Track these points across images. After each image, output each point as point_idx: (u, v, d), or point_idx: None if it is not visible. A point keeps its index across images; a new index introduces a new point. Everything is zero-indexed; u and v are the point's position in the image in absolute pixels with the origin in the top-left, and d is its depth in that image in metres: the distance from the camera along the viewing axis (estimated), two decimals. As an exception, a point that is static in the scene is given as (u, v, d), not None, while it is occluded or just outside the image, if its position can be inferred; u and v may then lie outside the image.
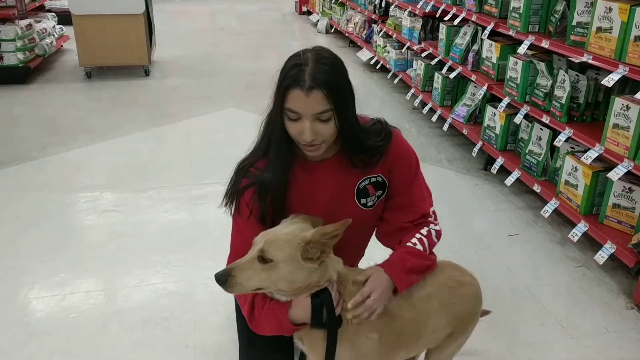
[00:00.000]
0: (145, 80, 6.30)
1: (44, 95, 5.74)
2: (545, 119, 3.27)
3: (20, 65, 5.88)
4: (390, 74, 6.08)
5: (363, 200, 1.77)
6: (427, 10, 4.92)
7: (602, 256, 2.76)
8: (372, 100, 5.78)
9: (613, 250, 2.72)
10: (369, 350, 1.66)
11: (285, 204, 1.69)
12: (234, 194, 1.70)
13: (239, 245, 1.69)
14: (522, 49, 3.45)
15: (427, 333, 1.75)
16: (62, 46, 7.24)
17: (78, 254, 2.98)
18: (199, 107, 5.40)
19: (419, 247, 1.71)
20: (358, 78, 6.63)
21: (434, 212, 1.83)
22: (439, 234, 1.79)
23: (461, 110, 4.34)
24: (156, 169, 4.02)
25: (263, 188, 1.65)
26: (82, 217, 3.36)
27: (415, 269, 1.68)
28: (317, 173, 1.72)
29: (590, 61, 2.84)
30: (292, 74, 1.51)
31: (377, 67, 6.65)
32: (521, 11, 3.41)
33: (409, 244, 1.71)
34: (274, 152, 1.65)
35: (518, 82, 3.50)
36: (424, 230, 1.75)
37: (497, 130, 3.80)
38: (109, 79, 6.29)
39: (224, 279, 1.50)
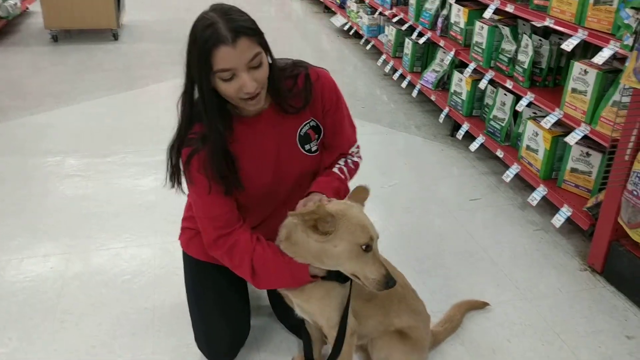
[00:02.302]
0: (114, 45, 6.16)
1: (8, 59, 5.59)
2: (509, 84, 3.28)
3: (-17, 27, 5.71)
4: (363, 40, 6.02)
5: (307, 147, 1.81)
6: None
7: (559, 219, 2.81)
8: (345, 66, 5.73)
9: (569, 213, 2.77)
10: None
11: (236, 163, 1.69)
12: (177, 173, 1.70)
13: (215, 210, 1.70)
14: (488, 14, 3.44)
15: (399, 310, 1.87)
16: (27, 8, 7.02)
17: (38, 218, 2.94)
18: (168, 72, 5.29)
19: (340, 175, 1.84)
20: (332, 44, 6.57)
21: (358, 146, 1.96)
22: (356, 164, 1.94)
23: (430, 76, 4.33)
24: (121, 134, 3.97)
25: (210, 150, 1.64)
26: (44, 181, 3.32)
27: (338, 191, 1.79)
28: (258, 126, 1.73)
29: (551, 25, 2.84)
30: (207, 36, 1.48)
31: (351, 33, 6.57)
32: (488, -25, 3.39)
33: (334, 169, 1.85)
34: (207, 117, 1.64)
35: (484, 47, 3.49)
36: (345, 161, 1.90)
37: (464, 96, 3.80)
38: (76, 43, 6.14)
39: (393, 283, 1.58)
